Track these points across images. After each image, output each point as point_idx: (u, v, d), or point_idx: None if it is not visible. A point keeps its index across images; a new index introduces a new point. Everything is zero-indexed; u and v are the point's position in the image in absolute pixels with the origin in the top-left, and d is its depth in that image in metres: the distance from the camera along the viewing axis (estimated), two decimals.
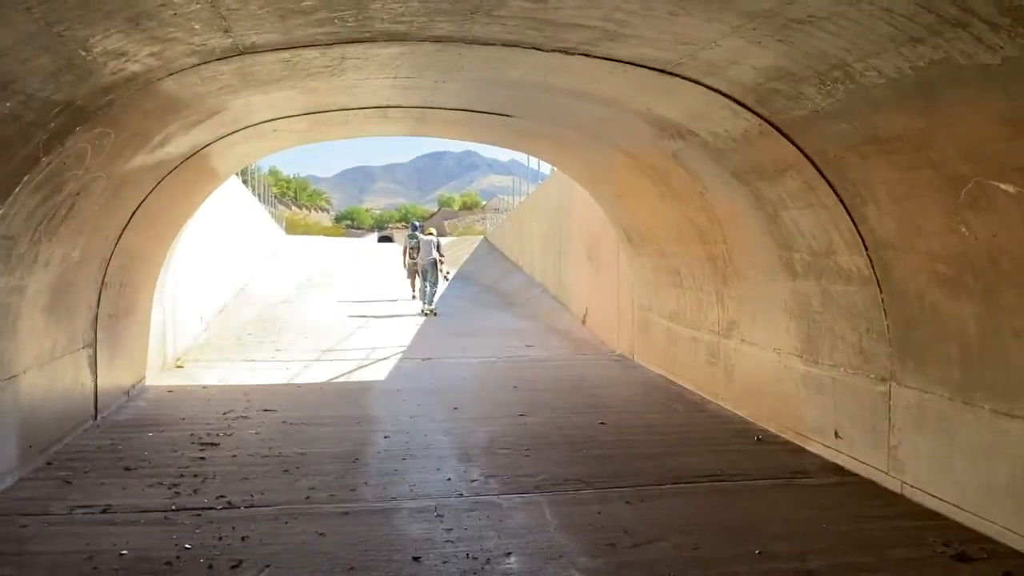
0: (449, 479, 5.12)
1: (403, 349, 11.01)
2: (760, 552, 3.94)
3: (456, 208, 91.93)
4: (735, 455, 5.69)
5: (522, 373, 9.08)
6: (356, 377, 8.85)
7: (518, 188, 34.20)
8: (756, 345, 6.58)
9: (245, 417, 6.80)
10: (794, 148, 4.89)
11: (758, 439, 6.12)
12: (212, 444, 5.92)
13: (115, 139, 4.80)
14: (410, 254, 17.92)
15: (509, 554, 3.92)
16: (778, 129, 4.86)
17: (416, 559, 3.84)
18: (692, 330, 7.89)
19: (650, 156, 6.83)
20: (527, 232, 22.15)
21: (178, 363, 9.35)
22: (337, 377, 8.77)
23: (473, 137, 9.04)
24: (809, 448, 5.75)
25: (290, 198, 75.58)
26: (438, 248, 16.62)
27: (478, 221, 72.16)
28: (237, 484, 4.98)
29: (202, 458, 5.55)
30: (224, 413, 6.92)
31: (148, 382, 8.11)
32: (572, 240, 14.35)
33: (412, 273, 18.23)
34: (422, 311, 16.02)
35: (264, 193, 38.26)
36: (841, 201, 4.87)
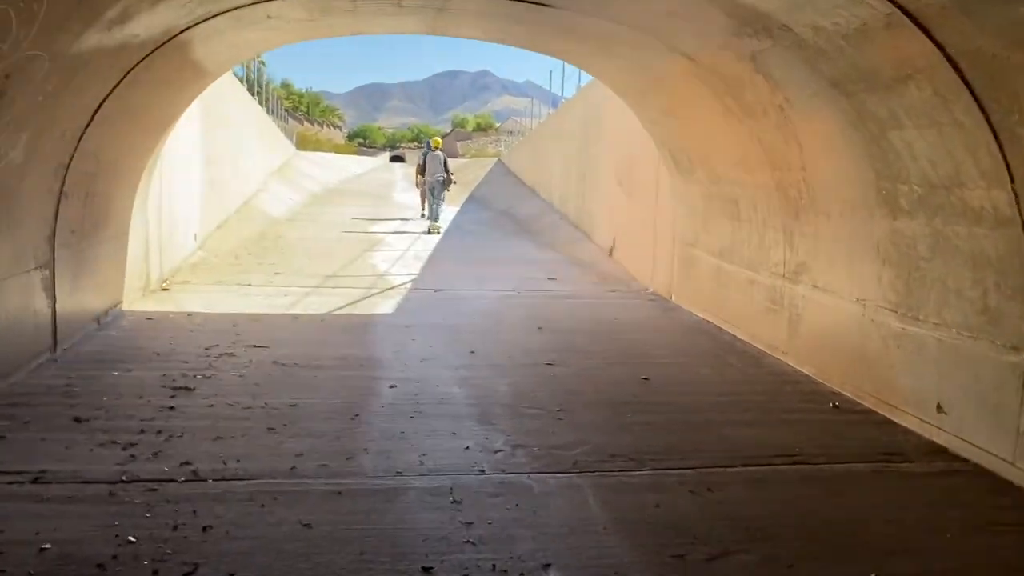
0: (467, 448, 4.18)
1: (414, 278, 10.02)
2: None
3: (470, 129, 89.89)
4: (811, 426, 4.72)
5: (546, 311, 8.09)
6: (361, 309, 7.88)
7: (534, 111, 32.82)
8: (833, 293, 5.54)
9: (230, 354, 5.86)
10: (932, 45, 3.74)
11: (834, 406, 5.13)
12: (186, 389, 4.98)
13: (48, 2, 3.69)
14: (422, 172, 17.35)
15: (547, 567, 2.99)
16: (913, 19, 3.70)
17: (427, 570, 2.91)
18: (749, 271, 6.84)
19: (720, 61, 5.66)
20: (546, 155, 20.89)
21: (164, 285, 8.40)
22: (340, 308, 7.80)
23: (501, 37, 7.82)
24: (899, 421, 4.76)
25: (302, 113, 73.70)
26: (445, 166, 16.24)
27: (492, 143, 70.33)
28: (209, 446, 4.05)
29: (171, 408, 4.62)
30: (207, 348, 5.98)
31: (125, 307, 7.17)
32: (599, 164, 13.17)
33: (424, 193, 17.43)
34: (428, 229, 15.75)
35: (275, 106, 36.86)
36: (987, 118, 3.74)
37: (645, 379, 5.61)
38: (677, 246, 8.61)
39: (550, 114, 23.54)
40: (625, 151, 11.11)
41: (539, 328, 7.17)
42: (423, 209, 17.94)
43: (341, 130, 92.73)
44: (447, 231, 16.26)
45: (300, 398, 4.88)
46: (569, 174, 16.56)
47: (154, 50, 5.50)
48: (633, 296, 9.16)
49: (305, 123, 70.00)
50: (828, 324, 5.62)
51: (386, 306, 8.04)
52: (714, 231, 7.59)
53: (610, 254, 11.75)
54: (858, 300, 5.22)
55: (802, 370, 5.92)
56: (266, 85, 33.22)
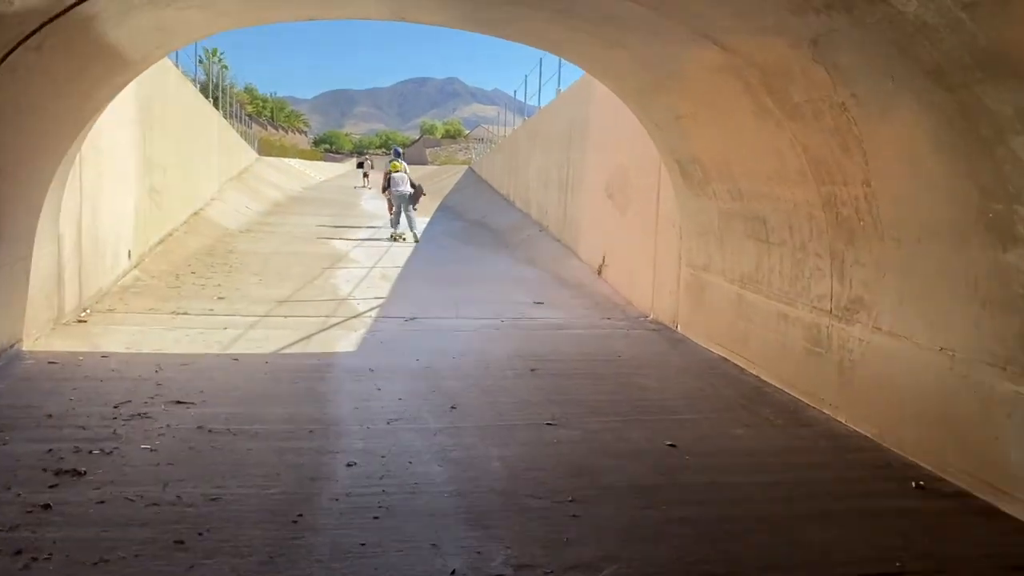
0: (453, 573, 2.98)
1: (381, 303, 8.77)
2: None
3: (439, 136, 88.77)
4: (900, 521, 3.59)
5: (536, 346, 6.91)
6: (316, 346, 6.61)
7: (504, 119, 31.85)
8: (903, 338, 4.44)
9: (144, 415, 4.59)
10: None
11: (918, 485, 4.02)
12: (74, 473, 3.73)
13: None
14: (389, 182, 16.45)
15: None
16: None
17: None
18: (780, 303, 5.74)
19: (763, 48, 4.55)
20: (522, 163, 19.80)
21: (82, 315, 7.08)
22: (290, 345, 6.53)
23: (479, 26, 6.65)
24: (1011, 511, 3.66)
25: (266, 118, 71.93)
26: (412, 183, 16.16)
27: (461, 150, 69.16)
28: (85, 574, 2.82)
29: (45, 507, 3.37)
30: (116, 406, 4.72)
31: (26, 346, 5.87)
32: (585, 173, 12.06)
33: (390, 202, 16.52)
34: (391, 235, 15.58)
35: (237, 111, 35.37)
36: None
37: (671, 445, 4.45)
38: (684, 269, 7.49)
39: (526, 120, 22.43)
40: (617, 160, 10.00)
41: (532, 370, 5.99)
42: (391, 215, 16.88)
43: (306, 136, 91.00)
44: (418, 245, 15.05)
45: (225, 487, 3.64)
46: (548, 184, 15.44)
47: (41, 26, 4.24)
48: (633, 324, 8.01)
49: (269, 128, 68.32)
50: (896, 376, 4.51)
51: (347, 341, 6.79)
52: (733, 254, 6.48)
53: (599, 273, 10.62)
54: (942, 350, 4.12)
55: (858, 430, 4.81)
56: (227, 88, 31.78)
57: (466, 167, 39.87)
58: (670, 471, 4.10)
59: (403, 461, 4.09)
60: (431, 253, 13.90)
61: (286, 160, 42.96)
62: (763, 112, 5.12)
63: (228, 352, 6.21)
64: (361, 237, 16.01)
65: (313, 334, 6.96)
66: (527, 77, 22.10)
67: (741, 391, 5.67)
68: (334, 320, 7.62)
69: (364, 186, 34.48)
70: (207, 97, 20.76)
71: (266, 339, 6.67)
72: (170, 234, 11.80)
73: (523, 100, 25.30)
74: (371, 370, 5.83)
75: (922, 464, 4.25)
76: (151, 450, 4.08)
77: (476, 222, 19.85)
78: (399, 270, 11.47)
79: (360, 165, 45.67)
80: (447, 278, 10.90)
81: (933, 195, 4.03)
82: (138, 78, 8.21)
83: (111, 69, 5.86)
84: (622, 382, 5.81)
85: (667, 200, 7.92)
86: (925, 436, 4.28)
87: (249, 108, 58.89)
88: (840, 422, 4.98)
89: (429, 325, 7.63)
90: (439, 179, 36.84)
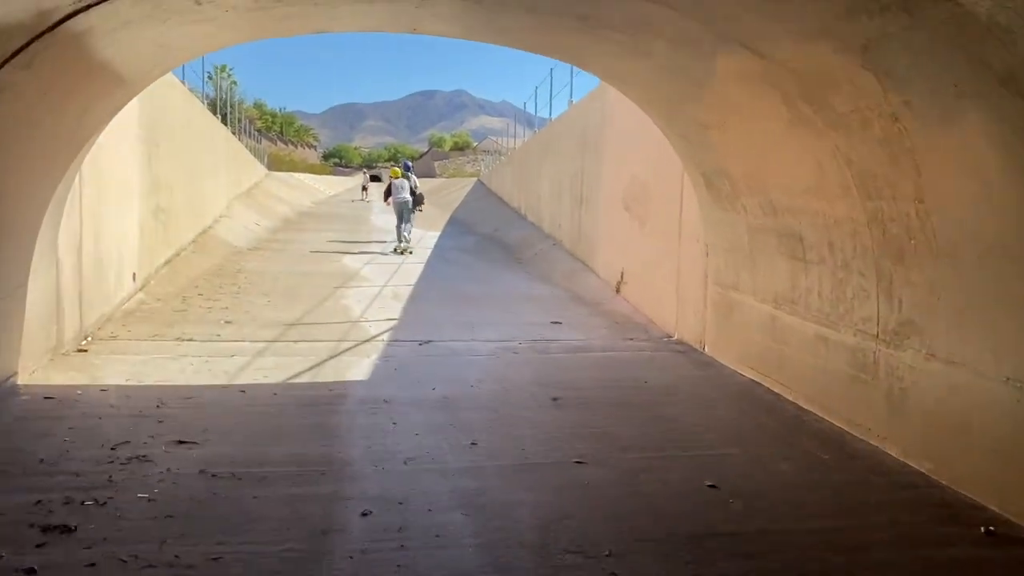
0: None
1: (393, 325, 8.45)
2: None
3: (447, 148, 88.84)
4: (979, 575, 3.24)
5: (557, 372, 6.58)
6: (327, 374, 6.28)
7: (512, 131, 31.72)
8: (962, 366, 4.08)
9: (144, 458, 4.27)
10: None
11: (987, 531, 3.65)
12: (64, 529, 3.40)
13: None
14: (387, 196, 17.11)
15: None
16: None
17: None
18: (820, 325, 5.38)
19: (805, 54, 4.22)
20: (534, 175, 19.52)
21: (83, 344, 6.79)
22: (300, 374, 6.20)
23: (496, 36, 6.36)
24: None
25: (275, 133, 72.15)
26: (412, 191, 16.38)
27: (469, 163, 68.97)
28: None
29: (31, 570, 3.05)
30: (114, 448, 4.40)
31: (22, 379, 5.57)
32: (600, 185, 11.74)
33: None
34: (395, 249, 15.86)
35: (246, 126, 35.33)
36: None
37: (712, 487, 4.10)
38: (711, 288, 7.14)
39: (537, 132, 22.16)
40: (635, 172, 9.68)
41: (554, 399, 5.65)
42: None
43: (316, 150, 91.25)
44: (429, 260, 14.76)
45: (228, 544, 3.31)
46: (562, 197, 15.14)
47: (30, 42, 3.96)
48: (656, 346, 7.65)
49: (278, 143, 68.51)
50: (955, 407, 4.15)
51: (359, 369, 6.47)
52: (765, 273, 6.13)
53: (617, 290, 10.28)
54: (1009, 380, 3.76)
55: (911, 464, 4.44)
56: (237, 104, 31.69)
57: (475, 180, 39.66)
58: (716, 519, 3.74)
59: (423, 508, 3.75)
60: (443, 270, 13.59)
61: (296, 175, 42.90)
62: (801, 122, 4.79)
63: (235, 383, 5.89)
64: (372, 252, 15.75)
65: (324, 361, 6.63)
66: (537, 89, 21.84)
67: (780, 420, 5.31)
68: (346, 344, 7.30)
69: (363, 199, 34.93)
70: (216, 113, 20.61)
71: (275, 367, 6.35)
72: (177, 254, 11.54)
73: (533, 112, 25.11)
74: (385, 401, 5.50)
75: (987, 505, 3.88)
76: (149, 500, 3.76)
77: (487, 236, 19.56)
78: (411, 289, 11.16)
79: (372, 179, 46.15)
80: (460, 297, 10.58)
81: (999, 211, 3.68)
82: (143, 95, 7.98)
83: (108, 87, 5.58)
84: (652, 412, 5.46)
85: (690, 214, 7.58)
86: (989, 473, 3.92)
87: (259, 123, 59.02)
88: (890, 455, 4.61)
89: (444, 349, 7.30)
90: (448, 192, 36.65)
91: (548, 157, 17.23)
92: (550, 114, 20.08)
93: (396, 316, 8.94)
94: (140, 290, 9.08)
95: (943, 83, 3.56)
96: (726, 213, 6.58)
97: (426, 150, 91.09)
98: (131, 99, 6.52)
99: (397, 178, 16.69)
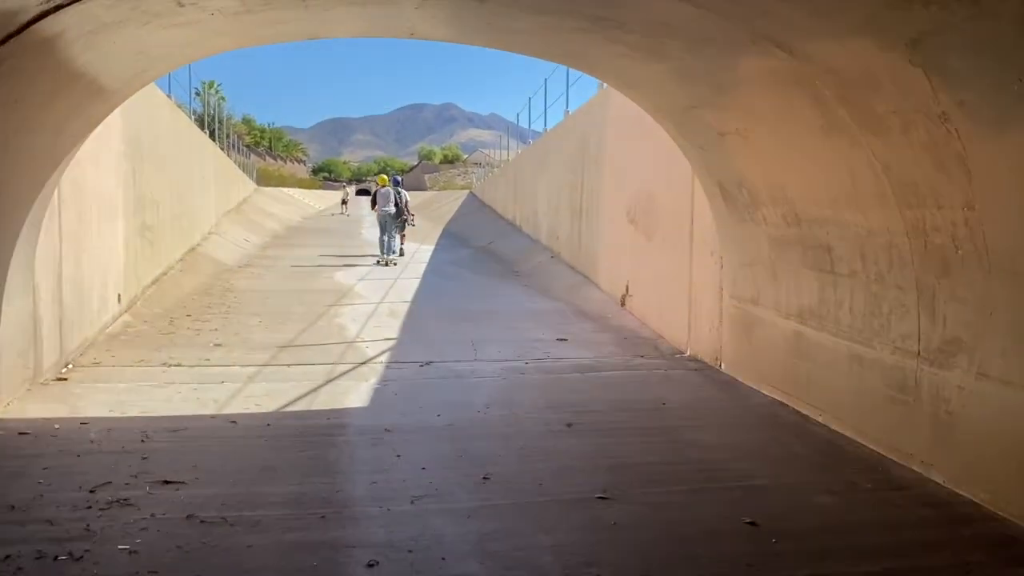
0: None
1: (391, 344, 8.07)
2: None
3: (437, 161, 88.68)
4: None
5: (568, 393, 6.21)
6: (323, 401, 5.89)
7: (505, 143, 31.55)
8: (1019, 387, 3.75)
9: (124, 501, 3.88)
10: None
11: None
12: None
13: None
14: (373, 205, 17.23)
15: None
16: None
17: None
18: (852, 342, 5.04)
19: (845, 51, 3.89)
20: (529, 186, 19.21)
21: (63, 372, 6.38)
22: (294, 402, 5.81)
23: (497, 39, 6.02)
24: None
25: (264, 148, 71.82)
26: (397, 203, 16.29)
27: (460, 175, 68.72)
28: None
29: None
30: (92, 490, 4.00)
31: None
32: (602, 196, 11.42)
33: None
34: (378, 261, 15.84)
35: (235, 142, 34.97)
36: None
37: (751, 524, 3.74)
38: (727, 302, 6.80)
39: (532, 143, 21.88)
40: (640, 183, 9.36)
41: (568, 425, 5.28)
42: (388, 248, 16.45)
43: (305, 165, 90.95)
44: (425, 275, 14.39)
45: None
46: (560, 208, 14.81)
47: None
48: (670, 364, 7.30)
49: (267, 158, 68.21)
50: (1013, 432, 3.81)
51: (358, 394, 6.08)
52: (789, 287, 5.80)
53: (622, 303, 9.93)
54: None
55: (963, 493, 4.10)
56: (225, 120, 31.31)
57: (467, 192, 39.38)
58: (758, 562, 3.38)
59: (435, 557, 3.37)
60: (440, 285, 13.22)
61: (285, 190, 42.57)
62: (833, 127, 4.46)
63: (225, 412, 5.50)
64: (365, 267, 15.39)
65: (320, 386, 6.24)
66: (531, 100, 21.76)
67: (813, 446, 4.96)
68: (342, 367, 6.91)
69: (343, 213, 35.69)
70: (204, 128, 20.23)
71: (267, 394, 5.96)
72: (164, 273, 11.14)
73: (526, 125, 24.82)
74: (387, 430, 5.11)
75: None
76: (130, 552, 3.36)
77: (483, 249, 19.22)
78: (408, 305, 10.78)
79: (360, 193, 46.10)
80: (460, 313, 10.20)
81: None
82: (127, 110, 7.62)
83: (86, 98, 5.21)
84: (675, 439, 5.09)
85: (703, 225, 7.24)
86: None
87: (247, 139, 58.70)
88: (938, 483, 4.26)
89: (446, 370, 6.92)
90: (440, 204, 36.36)
91: (545, 168, 16.93)
92: (545, 124, 19.81)
93: (394, 335, 8.56)
94: (126, 311, 8.69)
95: (1004, 80, 3.23)
96: (744, 224, 6.25)
97: (416, 163, 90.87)
98: (112, 111, 6.14)
99: (384, 186, 16.68)
